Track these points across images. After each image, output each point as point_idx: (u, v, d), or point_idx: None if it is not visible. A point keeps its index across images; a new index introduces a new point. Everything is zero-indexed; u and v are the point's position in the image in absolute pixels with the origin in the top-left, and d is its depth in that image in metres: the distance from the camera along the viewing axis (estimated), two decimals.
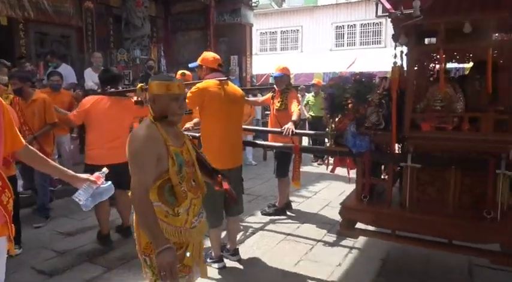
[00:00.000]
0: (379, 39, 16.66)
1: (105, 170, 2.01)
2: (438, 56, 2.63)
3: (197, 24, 10.19)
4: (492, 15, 2.34)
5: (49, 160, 1.94)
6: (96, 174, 1.95)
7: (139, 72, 8.21)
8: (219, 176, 2.10)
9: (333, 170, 3.37)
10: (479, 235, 2.55)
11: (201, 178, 1.92)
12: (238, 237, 3.57)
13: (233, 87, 3.28)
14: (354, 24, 17.48)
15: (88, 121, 3.61)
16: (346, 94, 3.02)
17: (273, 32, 19.30)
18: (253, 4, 10.14)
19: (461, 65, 4.87)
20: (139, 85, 3.78)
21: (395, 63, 2.68)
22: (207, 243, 3.20)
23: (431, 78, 2.91)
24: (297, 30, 18.74)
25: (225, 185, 2.06)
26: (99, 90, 4.49)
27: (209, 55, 3.28)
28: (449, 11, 2.47)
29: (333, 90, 3.06)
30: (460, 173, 2.62)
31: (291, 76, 13.47)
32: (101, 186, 1.94)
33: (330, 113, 3.15)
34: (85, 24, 8.09)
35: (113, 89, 3.70)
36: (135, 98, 3.72)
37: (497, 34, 3.20)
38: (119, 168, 3.55)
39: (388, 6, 2.72)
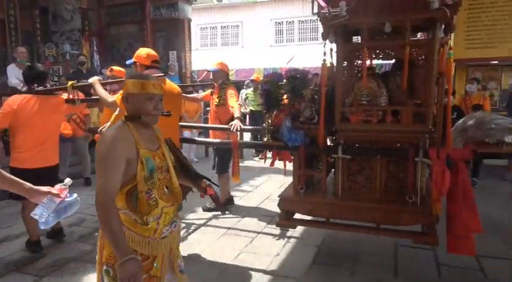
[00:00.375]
0: (316, 36, 17.24)
1: (68, 180, 1.76)
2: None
3: (133, 18, 9.80)
4: (408, 16, 2.54)
5: (1, 171, 1.66)
6: (59, 186, 1.71)
7: (70, 68, 7.75)
8: (204, 181, 1.98)
9: (271, 164, 3.46)
10: (403, 218, 2.78)
11: (176, 185, 1.79)
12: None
13: (170, 84, 3.24)
14: (293, 21, 17.92)
15: (15, 123, 3.32)
16: (281, 90, 3.13)
17: (213, 27, 19.16)
18: None
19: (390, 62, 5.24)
20: (70, 82, 3.60)
21: (324, 60, 2.81)
22: None
23: (359, 75, 3.09)
24: (237, 25, 18.78)
25: (210, 191, 1.97)
26: (24, 89, 4.18)
27: (143, 52, 3.21)
28: (371, 12, 2.65)
29: (268, 87, 3.15)
30: (385, 162, 2.84)
31: (232, 72, 13.57)
32: (65, 199, 1.70)
33: (266, 109, 3.25)
34: (7, 15, 7.42)
35: (40, 87, 3.46)
36: (65, 96, 3.53)
37: (420, 33, 3.51)
38: (47, 171, 3.36)
39: (323, 4, 2.85)
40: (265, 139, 3.26)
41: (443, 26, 2.64)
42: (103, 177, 1.57)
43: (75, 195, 1.75)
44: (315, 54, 2.91)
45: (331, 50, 2.92)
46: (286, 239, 3.70)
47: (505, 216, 4.35)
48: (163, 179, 1.73)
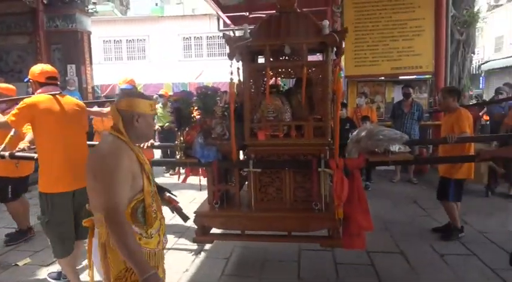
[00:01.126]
0: (225, 51, 17.64)
1: None
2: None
3: (23, 29, 8.87)
4: (303, 40, 2.81)
5: None
6: None
7: None
8: (165, 193, 2.09)
9: (184, 181, 3.46)
10: (311, 224, 3.00)
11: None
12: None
13: (71, 100, 3.07)
14: (201, 36, 18.10)
15: None
16: (192, 108, 3.17)
17: (118, 41, 18.40)
18: (90, 11, 9.43)
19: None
20: None
21: (231, 79, 2.94)
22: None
23: (265, 92, 3.28)
24: (144, 39, 18.32)
25: (174, 202, 2.06)
26: None
27: (36, 69, 3.00)
28: (271, 35, 2.86)
29: (179, 104, 3.17)
30: (292, 173, 3.03)
31: (140, 86, 13.14)
32: None
33: (177, 126, 3.25)
34: None
35: None
36: None
37: (320, 54, 3.83)
38: None
39: (228, 21, 2.98)
40: (178, 156, 3.26)
41: (335, 49, 2.97)
42: (114, 195, 1.55)
43: None
44: (224, 69, 3.03)
45: (238, 68, 3.06)
46: (196, 254, 3.72)
47: (393, 214, 4.96)
48: (154, 192, 1.82)
